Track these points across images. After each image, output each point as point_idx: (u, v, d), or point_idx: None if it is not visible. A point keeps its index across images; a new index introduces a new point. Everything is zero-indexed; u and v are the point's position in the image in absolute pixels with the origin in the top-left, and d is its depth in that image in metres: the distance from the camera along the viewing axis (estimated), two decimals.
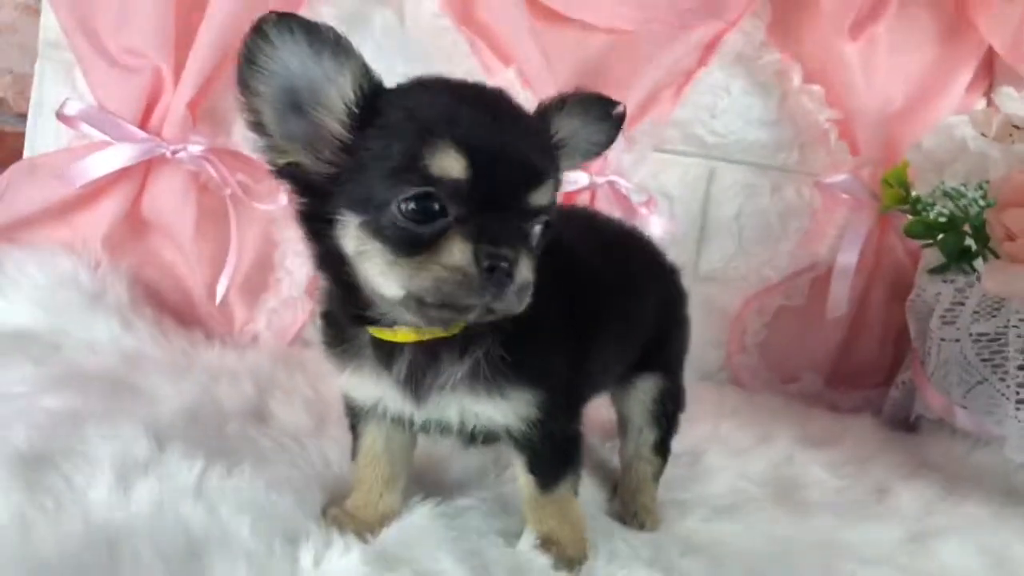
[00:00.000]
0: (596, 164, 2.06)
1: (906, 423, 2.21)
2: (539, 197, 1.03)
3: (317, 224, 1.07)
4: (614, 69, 2.08)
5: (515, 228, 1.02)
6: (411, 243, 0.99)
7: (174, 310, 1.95)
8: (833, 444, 2.00)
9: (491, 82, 1.93)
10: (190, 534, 1.13)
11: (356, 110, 1.03)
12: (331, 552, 1.15)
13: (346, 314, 1.14)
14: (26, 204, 1.85)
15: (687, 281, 2.34)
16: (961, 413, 1.96)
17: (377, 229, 1.00)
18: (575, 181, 2.04)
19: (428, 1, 2.00)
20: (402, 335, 1.12)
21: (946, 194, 1.95)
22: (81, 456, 1.23)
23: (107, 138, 1.78)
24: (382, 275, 1.02)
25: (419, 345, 1.13)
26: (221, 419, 1.52)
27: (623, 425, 1.58)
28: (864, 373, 2.40)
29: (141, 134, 1.79)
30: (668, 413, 1.56)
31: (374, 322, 1.11)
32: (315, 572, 1.12)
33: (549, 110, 1.15)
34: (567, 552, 1.27)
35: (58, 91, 1.90)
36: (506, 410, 1.18)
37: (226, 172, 1.83)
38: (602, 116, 1.20)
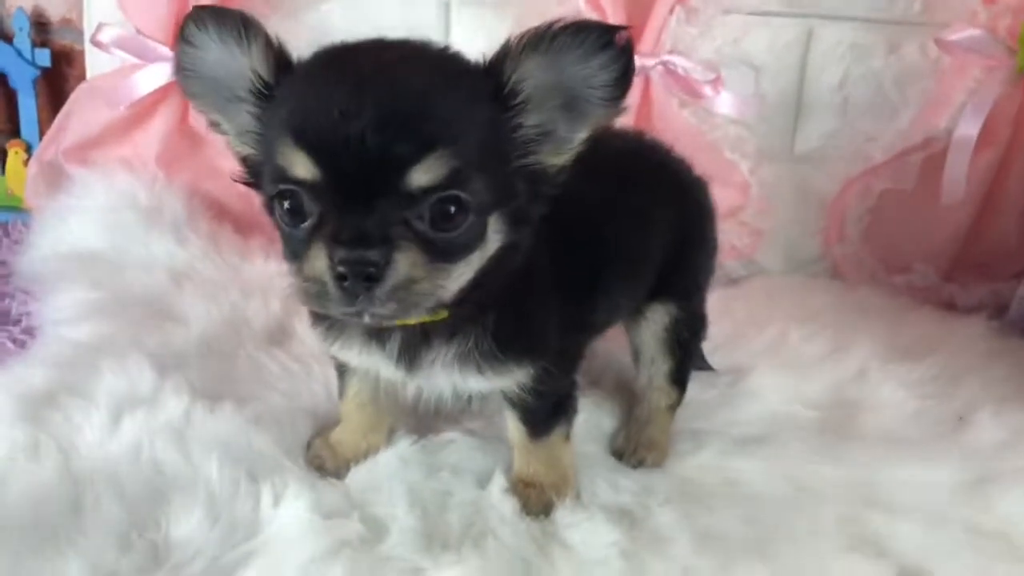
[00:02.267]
0: (647, 43, 1.82)
1: None
2: (421, 176, 0.87)
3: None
4: None
5: (390, 219, 0.89)
6: (291, 246, 0.96)
7: (235, 219, 2.03)
8: (927, 354, 1.74)
9: None
10: (159, 475, 1.21)
11: (261, 95, 0.97)
12: (287, 494, 1.19)
13: None
14: (90, 125, 1.96)
15: (780, 163, 2.11)
16: None
17: (277, 225, 0.97)
18: None
19: None
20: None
21: None
22: (85, 393, 1.33)
23: (138, 61, 1.82)
24: None
25: (409, 327, 1.08)
26: (238, 343, 1.58)
27: (635, 354, 1.47)
28: (994, 263, 2.05)
29: (171, 53, 1.80)
30: (683, 341, 1.43)
31: None
32: (274, 513, 1.17)
33: (508, 53, 0.94)
34: (545, 497, 1.24)
35: (107, 9, 1.93)
36: (499, 383, 1.15)
37: None
38: (596, 49, 0.92)
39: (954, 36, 1.87)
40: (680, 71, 1.85)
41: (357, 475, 1.27)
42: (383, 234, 0.88)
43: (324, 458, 1.30)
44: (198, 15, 0.96)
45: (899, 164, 2.00)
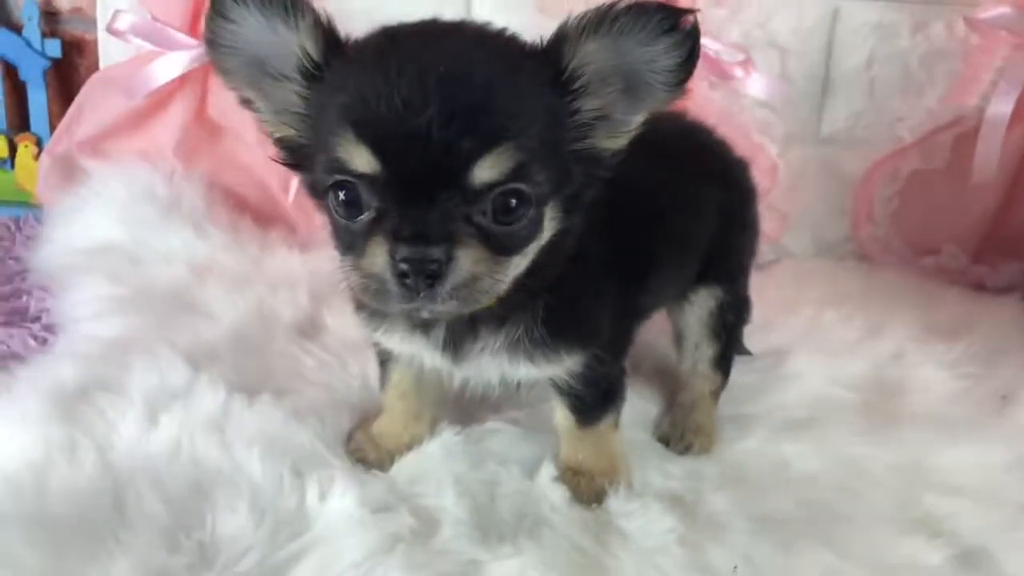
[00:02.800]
0: None
1: None
2: (485, 172, 0.85)
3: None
4: None
5: (452, 215, 0.86)
6: (347, 238, 0.93)
7: (255, 210, 1.99)
8: (962, 334, 1.73)
9: None
10: (200, 471, 1.18)
11: (309, 76, 0.93)
12: (334, 489, 1.16)
13: None
14: (104, 116, 1.91)
15: (807, 146, 2.09)
16: None
17: (331, 215, 0.94)
18: None
19: None
20: None
21: None
22: (118, 389, 1.30)
23: (157, 49, 1.78)
24: None
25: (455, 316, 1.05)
26: (269, 336, 1.55)
27: (679, 339, 1.45)
28: (1022, 243, 2.03)
29: (190, 40, 1.77)
30: (728, 325, 1.41)
31: None
32: (321, 508, 1.14)
33: (566, 36, 0.91)
34: (595, 484, 1.22)
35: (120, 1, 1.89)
36: (549, 370, 1.13)
37: None
38: (659, 32, 0.88)
39: (984, 14, 1.85)
40: (711, 53, 1.83)
41: (402, 467, 1.24)
42: (445, 230, 0.86)
43: (367, 450, 1.27)
44: None
45: (928, 144, 1.99)
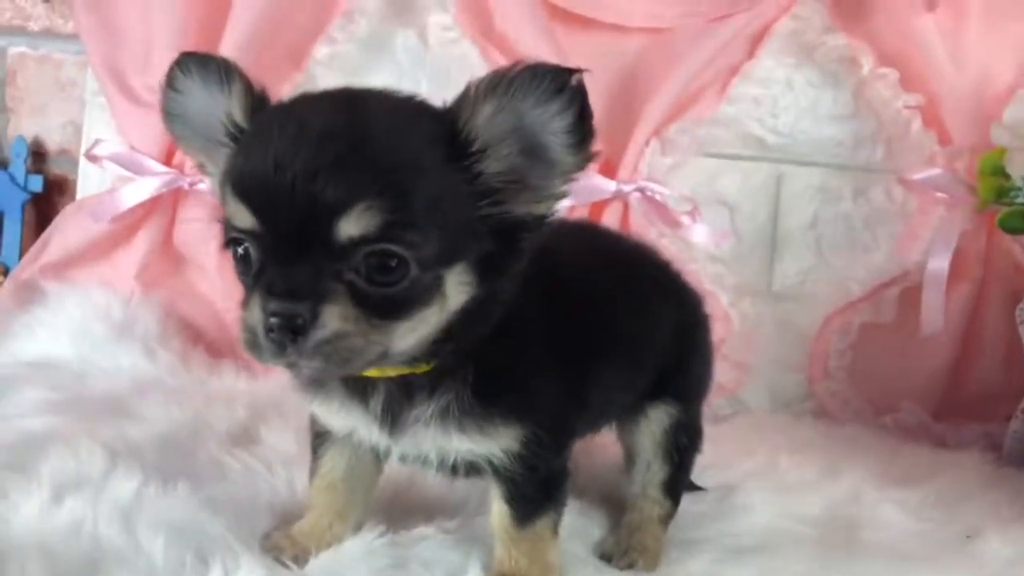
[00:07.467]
0: (625, 170, 1.91)
1: None
2: (348, 228, 0.85)
3: None
4: (652, 72, 1.93)
5: (321, 272, 0.87)
6: (245, 292, 0.94)
7: (208, 342, 1.99)
8: (923, 481, 1.66)
9: None
10: (97, 550, 1.09)
11: (234, 137, 0.99)
12: (239, 572, 1.08)
13: None
14: (71, 243, 1.97)
15: (759, 301, 2.13)
16: None
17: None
18: (602, 189, 1.89)
19: (442, 16, 1.95)
20: (370, 371, 1.01)
21: None
22: (28, 473, 1.23)
23: (130, 174, 1.87)
24: None
25: (393, 380, 1.03)
26: (198, 442, 1.49)
27: (629, 460, 1.40)
28: (983, 402, 2.03)
29: (161, 168, 1.87)
30: (681, 447, 1.36)
31: None
32: None
33: (466, 98, 0.93)
34: None
35: (103, 135, 2.01)
36: (485, 445, 1.07)
37: None
38: (551, 94, 0.89)
39: (918, 175, 1.96)
40: (658, 197, 1.91)
41: (316, 562, 1.15)
42: (314, 287, 0.87)
43: (283, 547, 1.19)
44: (184, 61, 1.00)
45: (876, 298, 2.03)
